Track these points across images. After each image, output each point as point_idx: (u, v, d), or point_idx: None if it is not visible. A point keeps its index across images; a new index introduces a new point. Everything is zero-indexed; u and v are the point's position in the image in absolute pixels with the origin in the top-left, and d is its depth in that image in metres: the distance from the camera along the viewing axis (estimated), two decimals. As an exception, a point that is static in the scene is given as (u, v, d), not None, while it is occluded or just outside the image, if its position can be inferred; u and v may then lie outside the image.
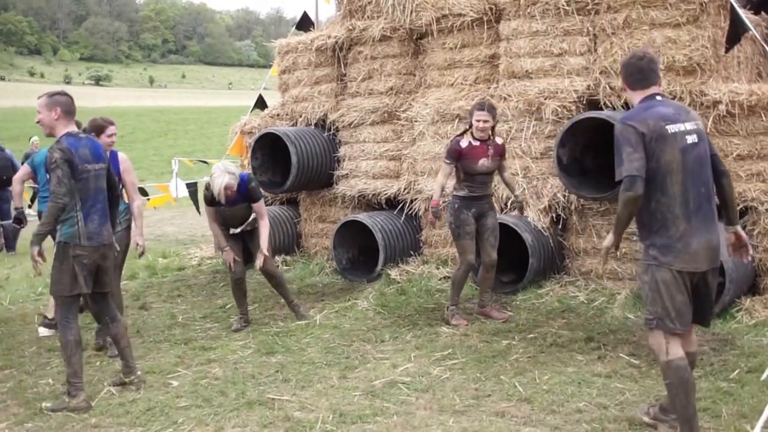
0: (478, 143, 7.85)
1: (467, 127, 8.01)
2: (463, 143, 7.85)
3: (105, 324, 6.58)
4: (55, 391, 6.43)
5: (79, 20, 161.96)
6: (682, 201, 4.63)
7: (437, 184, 7.94)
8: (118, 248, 6.90)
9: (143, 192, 13.29)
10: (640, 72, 4.86)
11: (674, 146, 4.62)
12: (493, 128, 7.97)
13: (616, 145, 4.69)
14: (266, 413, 5.67)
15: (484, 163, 7.86)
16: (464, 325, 7.78)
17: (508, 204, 8.98)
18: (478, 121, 7.82)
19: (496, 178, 8.28)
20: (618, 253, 8.71)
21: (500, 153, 8.03)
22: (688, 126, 4.71)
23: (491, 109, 7.91)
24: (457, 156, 7.84)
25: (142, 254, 7.85)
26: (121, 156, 7.72)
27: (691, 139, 4.68)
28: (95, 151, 6.14)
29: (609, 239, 4.93)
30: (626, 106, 8.66)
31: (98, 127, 7.43)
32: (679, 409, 4.63)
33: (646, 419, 5.15)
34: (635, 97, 4.90)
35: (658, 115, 4.67)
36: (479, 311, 8.19)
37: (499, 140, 8.05)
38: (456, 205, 8.01)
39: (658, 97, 4.84)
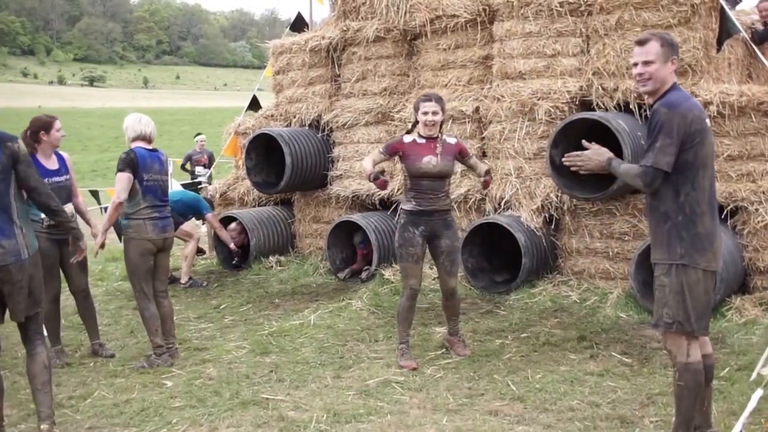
0: (423, 141, 6.76)
1: (412, 125, 7.02)
2: (407, 139, 6.82)
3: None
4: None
5: (72, 21, 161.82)
6: (710, 197, 4.51)
7: (368, 163, 6.79)
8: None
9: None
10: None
11: (710, 140, 4.49)
12: (441, 125, 6.88)
13: (654, 129, 4.43)
14: (260, 413, 5.70)
15: (430, 161, 6.68)
16: (412, 367, 6.61)
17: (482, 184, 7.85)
18: (426, 113, 6.69)
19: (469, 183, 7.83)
20: (610, 252, 8.82)
21: (455, 153, 6.90)
22: (708, 122, 4.59)
23: (439, 101, 6.79)
24: (394, 150, 6.82)
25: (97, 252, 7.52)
26: (65, 154, 7.54)
27: (711, 136, 4.58)
28: None
29: (598, 163, 4.75)
30: (619, 107, 8.73)
31: (46, 124, 7.08)
32: (684, 411, 4.55)
33: None
34: (671, 78, 4.59)
35: (698, 107, 4.51)
36: (446, 338, 7.27)
37: (451, 140, 6.97)
38: (402, 221, 6.88)
39: (681, 88, 4.66)
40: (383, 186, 6.69)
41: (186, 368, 6.91)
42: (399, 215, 7.00)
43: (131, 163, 6.93)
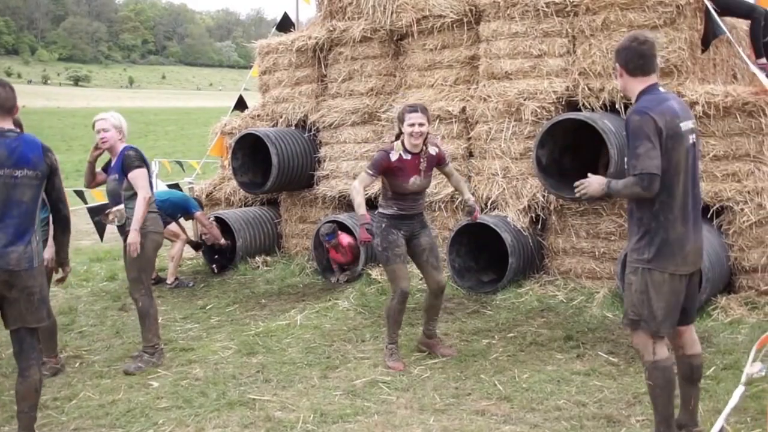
0: (409, 156, 6.62)
1: (396, 135, 6.83)
2: (393, 156, 6.59)
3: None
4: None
5: (57, 20, 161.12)
6: (683, 203, 4.49)
7: (356, 194, 6.58)
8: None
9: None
10: (641, 57, 4.56)
11: (683, 145, 4.45)
12: (426, 135, 6.72)
13: (631, 137, 4.42)
14: (247, 413, 5.69)
15: (415, 181, 6.67)
16: (400, 369, 6.59)
17: (463, 208, 8.00)
18: (412, 124, 6.52)
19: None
20: (597, 252, 8.84)
21: (436, 164, 6.88)
22: (690, 124, 4.55)
23: (425, 111, 6.65)
24: (383, 170, 6.61)
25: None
26: None
27: (692, 138, 4.54)
28: (14, 153, 4.98)
29: (596, 189, 4.72)
30: (605, 107, 8.75)
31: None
32: (660, 409, 4.60)
33: None
34: (635, 86, 4.61)
35: (672, 111, 4.46)
36: (423, 341, 7.13)
37: (433, 150, 6.81)
38: (383, 225, 6.78)
39: (661, 89, 4.63)
40: (368, 241, 6.62)
41: (172, 369, 6.89)
42: (378, 220, 6.85)
43: (143, 159, 7.02)
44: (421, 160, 6.69)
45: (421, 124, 6.55)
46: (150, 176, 7.14)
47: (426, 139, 6.72)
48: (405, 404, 5.78)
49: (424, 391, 6.05)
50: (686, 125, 4.50)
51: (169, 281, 10.53)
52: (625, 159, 4.60)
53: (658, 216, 4.48)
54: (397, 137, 6.76)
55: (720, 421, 4.33)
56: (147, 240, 6.89)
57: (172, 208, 10.64)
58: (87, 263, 12.08)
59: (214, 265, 11.19)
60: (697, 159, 4.61)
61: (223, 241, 11.06)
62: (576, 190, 4.84)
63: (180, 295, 10.03)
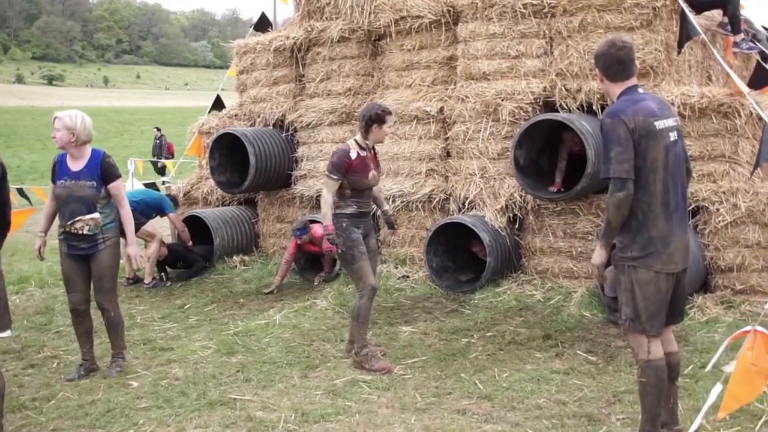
0: (365, 153, 6.80)
1: (359, 134, 6.87)
2: (353, 154, 6.71)
3: None
4: (11, 394, 6.34)
5: (31, 19, 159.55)
6: (663, 200, 4.51)
7: (327, 205, 6.68)
8: None
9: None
10: (620, 63, 4.62)
11: (660, 143, 4.48)
12: None
13: (604, 140, 4.51)
14: (228, 413, 5.67)
15: (374, 175, 6.87)
16: (390, 368, 6.58)
17: (385, 219, 7.66)
18: (390, 126, 6.88)
19: None
20: (574, 251, 8.90)
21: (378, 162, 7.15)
22: (670, 122, 4.58)
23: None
24: (345, 170, 6.68)
25: None
26: None
27: (673, 136, 4.57)
28: None
29: (598, 255, 4.64)
30: (582, 107, 8.81)
31: None
32: (648, 408, 4.63)
33: None
34: (615, 90, 4.68)
35: (646, 110, 4.49)
36: (350, 348, 6.97)
37: (374, 148, 7.09)
38: (344, 225, 6.80)
39: (640, 90, 4.68)
40: (330, 250, 6.81)
41: (151, 368, 6.86)
42: (337, 221, 6.78)
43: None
44: (374, 156, 6.99)
45: (391, 126, 6.91)
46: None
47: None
48: (386, 403, 5.78)
49: (405, 390, 6.06)
50: (664, 123, 4.53)
51: (146, 281, 10.50)
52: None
53: (637, 214, 4.51)
54: (367, 133, 6.80)
55: (699, 420, 4.38)
56: (117, 250, 6.79)
57: (147, 209, 10.62)
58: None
59: (162, 274, 11.01)
60: (679, 156, 4.64)
61: (190, 244, 11.07)
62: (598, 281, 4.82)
63: (158, 294, 10.00)
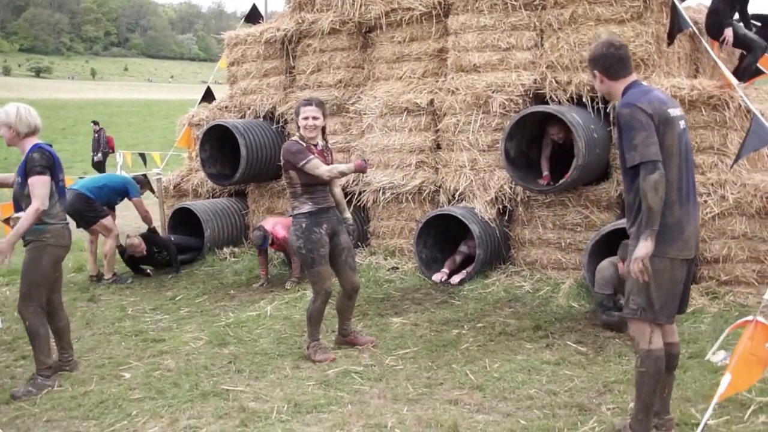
0: (312, 147, 6.66)
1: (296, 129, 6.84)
2: (302, 143, 6.65)
3: None
4: (3, 386, 6.36)
5: (18, 11, 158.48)
6: (678, 186, 4.51)
7: (336, 168, 6.63)
8: None
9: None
10: (620, 61, 4.66)
11: (674, 130, 4.50)
12: (324, 129, 6.90)
13: (625, 129, 4.48)
14: (221, 404, 5.70)
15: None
16: (331, 359, 6.64)
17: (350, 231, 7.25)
18: (306, 118, 6.62)
19: None
20: (563, 243, 8.94)
21: (332, 158, 6.98)
22: (678, 112, 4.61)
23: (320, 105, 6.73)
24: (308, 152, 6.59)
25: None
26: None
27: (682, 124, 4.60)
28: None
29: (644, 246, 4.43)
30: (572, 100, 8.84)
31: None
32: (644, 397, 4.63)
33: None
34: (618, 87, 4.70)
35: (658, 99, 4.53)
36: (341, 340, 7.12)
37: (321, 143, 6.88)
38: (303, 225, 6.63)
39: (644, 83, 4.70)
40: (363, 168, 6.58)
41: (144, 360, 6.88)
42: (296, 222, 6.71)
43: (49, 163, 6.16)
44: (322, 150, 6.78)
45: (315, 118, 6.62)
46: (60, 181, 6.36)
47: (324, 133, 6.91)
48: (378, 394, 5.82)
49: (397, 381, 6.10)
50: (675, 112, 4.57)
51: (106, 277, 10.35)
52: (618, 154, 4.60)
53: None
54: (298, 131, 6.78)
55: (710, 409, 4.37)
56: (45, 253, 6.25)
57: (111, 194, 10.50)
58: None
59: (149, 270, 10.93)
60: (688, 145, 4.67)
61: (153, 226, 10.98)
62: (639, 277, 4.54)
63: (148, 285, 10.01)
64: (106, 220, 10.36)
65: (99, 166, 25.33)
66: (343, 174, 6.73)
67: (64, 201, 6.45)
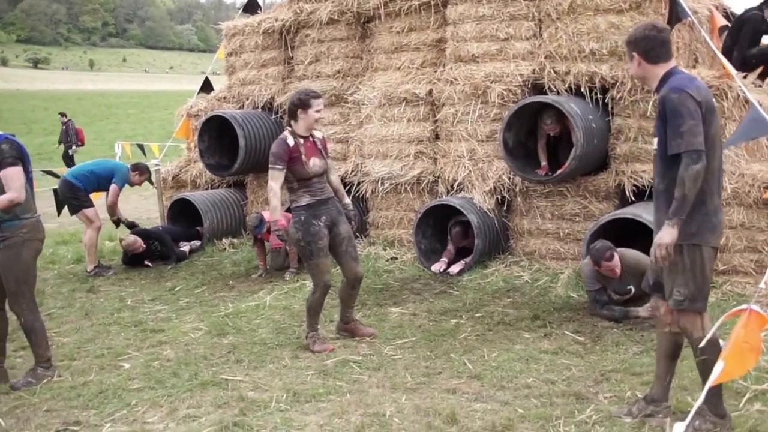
0: (302, 140, 6.61)
1: (288, 123, 6.73)
2: (290, 141, 6.56)
3: None
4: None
5: (15, 1, 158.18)
6: (718, 176, 4.49)
7: (275, 197, 6.50)
8: None
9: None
10: (663, 45, 4.53)
11: (718, 119, 4.46)
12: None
13: (672, 114, 4.34)
14: (220, 394, 5.72)
15: (316, 162, 6.65)
16: (329, 350, 6.65)
17: (352, 218, 7.19)
18: (318, 110, 6.58)
19: None
20: (561, 233, 8.96)
21: (326, 149, 6.92)
22: (715, 102, 4.54)
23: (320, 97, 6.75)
24: (287, 158, 6.50)
25: None
26: None
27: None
28: None
29: (669, 233, 4.35)
30: (570, 90, 8.83)
31: None
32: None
33: (628, 420, 4.89)
34: (657, 71, 4.57)
35: (704, 88, 4.43)
36: (342, 327, 7.13)
37: (318, 134, 6.86)
38: (302, 218, 6.62)
39: (684, 70, 4.60)
40: (279, 247, 6.94)
41: (143, 350, 6.91)
42: (296, 214, 6.67)
43: (19, 154, 5.96)
44: (315, 142, 6.73)
45: (322, 110, 6.66)
46: (29, 173, 6.11)
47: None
48: (377, 383, 5.83)
49: (395, 370, 6.12)
50: (714, 102, 4.51)
51: (88, 269, 10.29)
52: (656, 140, 4.55)
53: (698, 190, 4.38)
54: (288, 123, 6.71)
55: (702, 395, 4.37)
56: (23, 248, 6.03)
57: (99, 181, 10.36)
58: (53, 246, 12.00)
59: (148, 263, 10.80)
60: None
61: (117, 218, 10.81)
62: (660, 263, 4.52)
63: (147, 276, 10.03)
64: (89, 211, 10.26)
65: (69, 161, 24.14)
66: (273, 208, 6.55)
67: (31, 194, 6.19)
